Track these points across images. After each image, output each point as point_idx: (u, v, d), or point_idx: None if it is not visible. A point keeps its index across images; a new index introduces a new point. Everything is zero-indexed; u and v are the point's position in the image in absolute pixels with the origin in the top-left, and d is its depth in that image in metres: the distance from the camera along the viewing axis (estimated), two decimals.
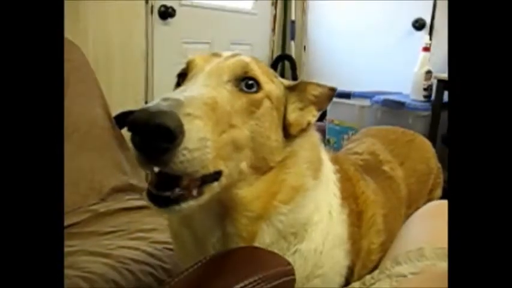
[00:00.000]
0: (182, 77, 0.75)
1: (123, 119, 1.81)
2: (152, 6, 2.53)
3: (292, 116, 0.78)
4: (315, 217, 0.79)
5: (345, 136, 2.91)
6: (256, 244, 0.73)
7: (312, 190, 0.77)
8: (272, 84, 0.76)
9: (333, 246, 0.82)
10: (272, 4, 3.63)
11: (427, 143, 1.39)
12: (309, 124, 0.80)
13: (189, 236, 0.78)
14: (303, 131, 0.79)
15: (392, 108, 2.79)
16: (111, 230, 1.28)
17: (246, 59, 0.75)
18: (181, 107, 0.57)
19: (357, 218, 0.87)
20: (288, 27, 3.75)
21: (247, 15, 3.35)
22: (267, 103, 0.73)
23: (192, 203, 0.62)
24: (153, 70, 2.59)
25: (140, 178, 1.83)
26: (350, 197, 0.87)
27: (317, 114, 0.81)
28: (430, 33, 3.17)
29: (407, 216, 1.05)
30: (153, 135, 0.54)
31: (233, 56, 0.76)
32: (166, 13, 2.59)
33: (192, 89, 0.64)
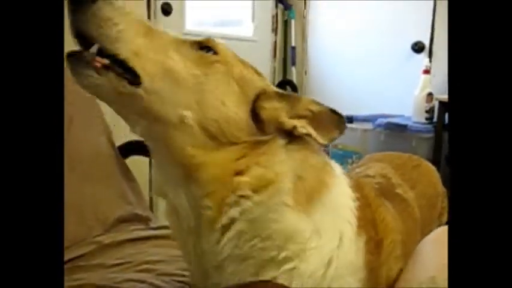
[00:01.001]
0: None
1: (130, 149, 1.81)
2: None
3: (269, 111, 0.77)
4: (313, 240, 0.76)
5: (349, 160, 2.91)
6: (225, 216, 0.72)
7: (288, 197, 0.74)
8: (240, 65, 0.79)
9: (343, 274, 0.79)
10: (272, 31, 3.67)
11: (433, 168, 1.39)
12: (294, 129, 0.77)
13: (176, 224, 0.81)
14: (291, 135, 0.77)
15: (395, 131, 2.80)
16: (117, 262, 1.25)
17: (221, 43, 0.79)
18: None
19: (375, 245, 0.84)
20: (288, 53, 3.78)
21: (248, 43, 3.39)
22: (221, 68, 0.76)
23: (88, 72, 0.69)
24: None
25: (145, 208, 1.82)
26: (369, 224, 0.85)
27: (311, 131, 0.77)
28: (430, 56, 3.20)
29: (420, 239, 1.03)
30: None
31: None
32: None
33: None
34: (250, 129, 0.76)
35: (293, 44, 3.76)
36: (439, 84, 2.97)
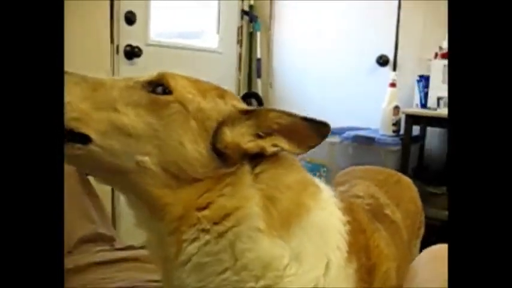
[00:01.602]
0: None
1: None
2: (118, 46, 2.46)
3: (231, 138, 0.73)
4: (293, 266, 0.71)
5: (317, 173, 2.88)
6: (183, 254, 0.71)
7: (260, 221, 0.70)
8: (197, 97, 0.75)
9: None
10: (237, 43, 3.63)
11: (411, 182, 1.38)
12: (263, 150, 0.73)
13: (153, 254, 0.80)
14: (247, 156, 0.73)
15: (362, 144, 2.80)
16: None
17: (169, 72, 0.77)
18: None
19: (367, 273, 0.80)
20: (253, 65, 3.75)
21: (213, 54, 3.34)
22: (176, 107, 0.73)
23: None
24: None
25: (109, 226, 1.72)
26: (361, 250, 0.80)
27: (285, 145, 0.73)
28: (394, 69, 3.23)
29: (408, 261, 1.00)
30: None
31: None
32: (132, 53, 2.52)
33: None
34: (214, 163, 0.73)
35: (258, 56, 3.73)
36: (404, 96, 3.00)
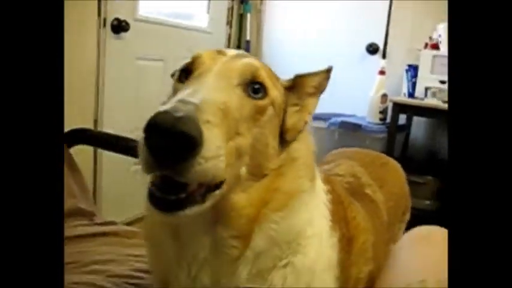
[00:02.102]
0: (186, 73, 0.72)
1: (74, 137, 1.67)
2: (105, 19, 2.39)
3: (290, 121, 0.75)
4: (308, 230, 0.74)
5: None
6: (249, 250, 0.69)
7: (308, 193, 0.73)
8: (276, 91, 0.73)
9: (324, 269, 0.76)
10: (227, 24, 3.58)
11: (399, 166, 1.37)
12: (305, 123, 0.77)
13: (171, 241, 0.72)
14: (299, 133, 0.76)
15: (349, 130, 2.80)
16: None
17: (256, 63, 0.72)
18: (200, 113, 0.55)
19: (347, 243, 0.81)
20: (242, 47, 3.71)
21: (202, 34, 3.28)
22: (270, 110, 0.71)
23: (195, 209, 0.60)
24: (104, 86, 2.45)
25: (89, 201, 1.69)
26: (341, 221, 0.81)
27: (317, 103, 0.79)
28: (384, 58, 3.23)
29: (386, 241, 1.01)
30: (173, 141, 0.52)
31: (239, 56, 0.73)
32: (120, 27, 2.46)
33: (205, 92, 0.60)
34: (278, 152, 0.73)
35: (248, 37, 3.69)
36: (392, 85, 3.00)
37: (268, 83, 0.70)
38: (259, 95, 0.69)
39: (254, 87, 0.68)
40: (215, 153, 0.55)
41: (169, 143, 0.52)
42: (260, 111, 0.68)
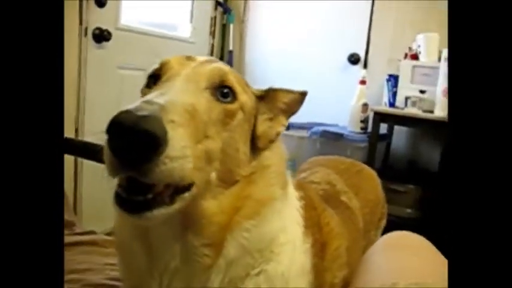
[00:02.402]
0: (154, 79, 0.71)
1: None
2: (86, 29, 2.39)
3: (261, 128, 0.75)
4: (281, 237, 0.74)
5: None
6: (221, 258, 0.68)
7: (280, 201, 0.73)
8: (246, 95, 0.73)
9: (298, 275, 0.76)
10: (210, 34, 3.60)
11: (374, 173, 1.39)
12: (277, 135, 0.77)
13: (141, 249, 0.70)
14: (271, 142, 0.76)
15: (330, 140, 2.82)
16: None
17: (224, 67, 0.72)
18: (165, 113, 0.54)
19: (320, 249, 0.82)
20: (225, 57, 3.72)
21: (185, 44, 3.29)
22: (240, 115, 0.70)
23: (163, 210, 0.58)
24: (86, 95, 2.44)
25: (70, 211, 1.68)
26: (315, 226, 0.82)
27: (287, 122, 0.79)
28: (365, 68, 3.27)
29: (363, 248, 1.02)
30: (136, 140, 0.50)
31: (208, 61, 0.73)
32: (102, 36, 2.46)
33: (172, 94, 0.59)
34: (249, 159, 0.72)
35: (231, 48, 3.71)
36: (373, 95, 3.04)
37: (237, 87, 0.70)
38: (228, 99, 0.68)
39: (223, 91, 0.68)
40: (180, 153, 0.54)
41: (132, 143, 0.51)
42: (229, 115, 0.68)
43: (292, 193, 0.80)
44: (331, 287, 0.85)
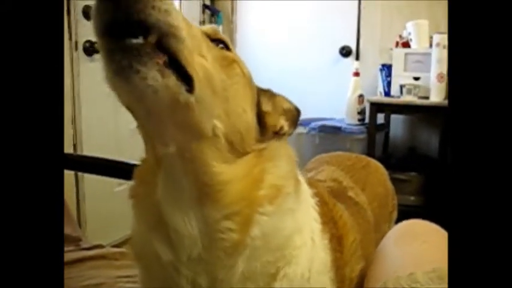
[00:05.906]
0: None
1: None
2: (76, 43, 2.38)
3: (266, 107, 0.74)
4: (297, 240, 0.71)
5: None
6: (248, 238, 0.64)
7: (292, 198, 0.70)
8: (241, 62, 0.71)
9: (319, 272, 0.75)
10: None
11: (380, 166, 1.38)
12: (281, 129, 0.75)
13: (161, 241, 0.65)
14: (277, 134, 0.74)
15: (329, 134, 2.83)
16: None
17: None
18: None
19: (338, 243, 0.81)
20: None
21: None
22: (237, 68, 0.68)
23: (158, 76, 0.52)
24: (81, 109, 2.43)
25: (74, 227, 1.67)
26: (330, 221, 0.81)
27: (287, 128, 0.77)
28: (357, 59, 3.27)
29: (376, 241, 1.01)
30: None
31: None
32: (93, 49, 2.45)
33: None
34: (257, 135, 0.70)
35: None
36: (368, 85, 3.05)
37: (230, 44, 0.69)
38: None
39: (217, 44, 0.66)
40: (168, 6, 0.51)
41: None
42: (226, 60, 0.65)
43: (307, 191, 0.79)
44: (350, 281, 0.85)
